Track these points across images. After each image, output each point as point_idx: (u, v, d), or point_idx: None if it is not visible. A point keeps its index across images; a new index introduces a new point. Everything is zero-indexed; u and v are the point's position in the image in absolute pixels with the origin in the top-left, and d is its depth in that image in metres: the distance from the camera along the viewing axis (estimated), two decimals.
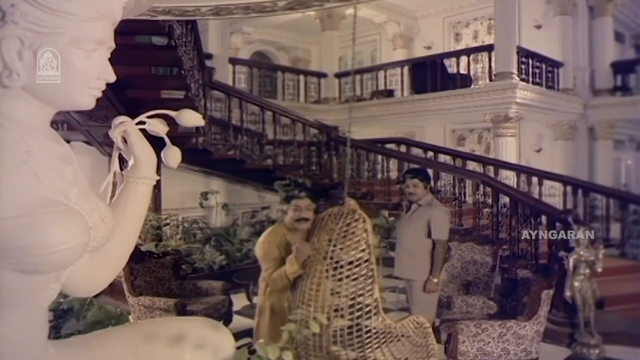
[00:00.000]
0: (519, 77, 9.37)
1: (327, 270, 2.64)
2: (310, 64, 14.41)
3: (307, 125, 8.29)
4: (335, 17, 11.79)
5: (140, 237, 2.18)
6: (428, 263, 3.94)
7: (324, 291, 2.63)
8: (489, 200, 6.60)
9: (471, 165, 8.45)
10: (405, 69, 11.24)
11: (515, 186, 7.24)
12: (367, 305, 2.62)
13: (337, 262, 2.63)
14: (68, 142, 1.21)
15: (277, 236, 3.14)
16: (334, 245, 2.64)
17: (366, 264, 2.63)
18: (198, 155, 7.13)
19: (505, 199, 6.41)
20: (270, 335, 2.74)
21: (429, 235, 3.96)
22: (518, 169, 7.93)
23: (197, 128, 6.39)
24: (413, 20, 13.44)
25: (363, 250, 2.64)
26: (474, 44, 12.16)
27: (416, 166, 6.44)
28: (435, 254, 3.93)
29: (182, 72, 5.16)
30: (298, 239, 3.06)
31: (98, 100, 1.08)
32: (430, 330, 2.83)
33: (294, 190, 3.33)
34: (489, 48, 10.14)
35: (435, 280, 3.91)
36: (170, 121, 1.30)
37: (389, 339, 2.67)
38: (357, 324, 2.58)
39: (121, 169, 1.26)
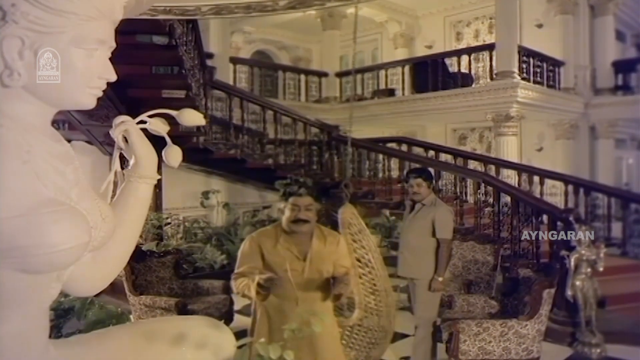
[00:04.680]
0: (520, 76, 9.36)
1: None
2: (311, 63, 14.41)
3: (308, 125, 8.29)
4: (336, 16, 11.78)
5: (141, 236, 2.18)
6: (433, 262, 3.95)
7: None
8: (490, 200, 6.60)
9: (472, 164, 8.43)
10: (407, 68, 11.24)
11: (516, 185, 7.23)
12: None
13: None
14: (69, 141, 1.21)
15: (269, 238, 2.75)
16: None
17: None
18: (199, 154, 7.14)
19: (506, 198, 6.41)
20: (268, 335, 2.55)
21: (434, 234, 3.97)
22: (519, 168, 7.92)
23: (198, 127, 6.39)
24: (414, 20, 13.44)
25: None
26: (475, 43, 12.14)
27: (418, 165, 6.43)
28: (440, 253, 3.94)
29: (183, 71, 5.16)
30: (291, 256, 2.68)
31: (99, 99, 1.08)
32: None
33: (294, 186, 2.80)
34: (490, 47, 10.13)
35: (440, 279, 3.92)
36: (171, 120, 1.29)
37: None
38: None
39: (122, 168, 1.26)
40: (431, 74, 10.41)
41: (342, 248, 2.72)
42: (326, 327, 2.47)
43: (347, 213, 2.63)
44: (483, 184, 6.71)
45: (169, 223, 7.33)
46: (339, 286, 2.53)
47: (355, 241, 2.60)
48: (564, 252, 4.64)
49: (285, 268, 2.63)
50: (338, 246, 2.74)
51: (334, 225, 2.81)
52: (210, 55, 9.20)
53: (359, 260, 2.58)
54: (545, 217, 5.74)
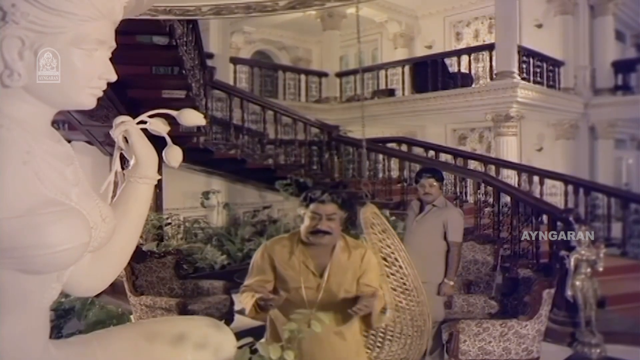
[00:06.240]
0: (520, 76, 9.37)
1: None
2: (311, 64, 14.41)
3: (308, 125, 8.29)
4: (336, 17, 11.79)
5: (141, 236, 2.17)
6: (442, 265, 3.86)
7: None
8: (490, 200, 6.60)
9: (472, 165, 8.44)
10: (406, 68, 11.25)
11: (516, 185, 7.23)
12: None
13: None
14: (69, 141, 1.21)
15: (283, 248, 2.38)
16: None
17: None
18: (199, 154, 7.14)
19: (506, 198, 6.41)
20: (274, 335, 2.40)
21: (444, 236, 3.89)
22: (519, 168, 7.92)
23: (199, 127, 6.39)
24: (414, 20, 13.44)
25: None
26: (475, 43, 12.15)
27: (419, 166, 6.42)
28: (450, 256, 3.85)
29: (183, 71, 5.16)
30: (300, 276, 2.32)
31: (99, 100, 1.08)
32: None
33: (316, 191, 2.38)
34: (489, 47, 10.14)
35: (451, 283, 3.84)
36: (171, 121, 1.30)
37: None
38: None
39: (122, 169, 1.26)
40: (431, 74, 10.42)
41: (367, 263, 2.39)
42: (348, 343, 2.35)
43: (368, 212, 2.46)
44: (483, 184, 6.71)
45: (169, 223, 7.34)
46: (360, 305, 2.19)
47: (380, 241, 2.48)
48: (563, 252, 4.64)
49: (299, 284, 2.30)
50: (362, 261, 2.37)
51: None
52: (210, 56, 9.19)
53: (385, 260, 2.50)
54: (545, 217, 5.74)
